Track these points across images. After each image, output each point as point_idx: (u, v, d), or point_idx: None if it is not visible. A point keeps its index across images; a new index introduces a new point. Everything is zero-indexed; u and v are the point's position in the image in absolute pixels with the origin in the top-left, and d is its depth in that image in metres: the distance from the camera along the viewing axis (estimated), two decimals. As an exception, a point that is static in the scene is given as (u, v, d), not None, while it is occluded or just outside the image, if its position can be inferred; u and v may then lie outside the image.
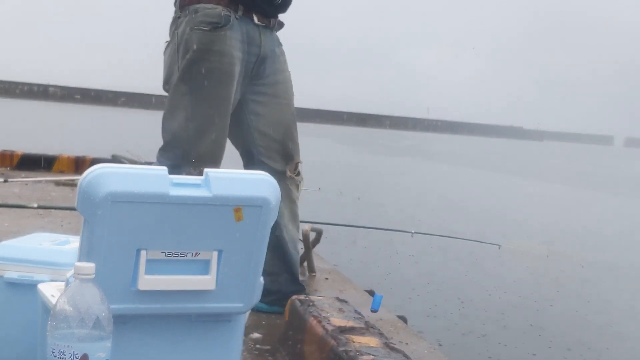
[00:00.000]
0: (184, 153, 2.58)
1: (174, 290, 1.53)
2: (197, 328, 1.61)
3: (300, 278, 2.94)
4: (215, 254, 1.55)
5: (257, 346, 2.35)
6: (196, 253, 1.53)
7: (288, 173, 2.77)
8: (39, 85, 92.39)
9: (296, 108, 2.90)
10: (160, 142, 2.69)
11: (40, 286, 1.60)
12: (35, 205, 4.51)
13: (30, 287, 1.70)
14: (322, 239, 3.70)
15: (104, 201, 1.42)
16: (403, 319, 3.10)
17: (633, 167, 43.19)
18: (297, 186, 2.85)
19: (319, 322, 2.08)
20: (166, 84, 2.67)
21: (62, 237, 2.04)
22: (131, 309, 1.50)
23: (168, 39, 2.70)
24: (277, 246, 2.75)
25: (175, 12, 2.68)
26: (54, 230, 3.66)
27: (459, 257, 7.01)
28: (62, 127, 27.21)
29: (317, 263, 3.55)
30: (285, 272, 2.78)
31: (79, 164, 7.16)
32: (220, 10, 2.58)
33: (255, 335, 2.43)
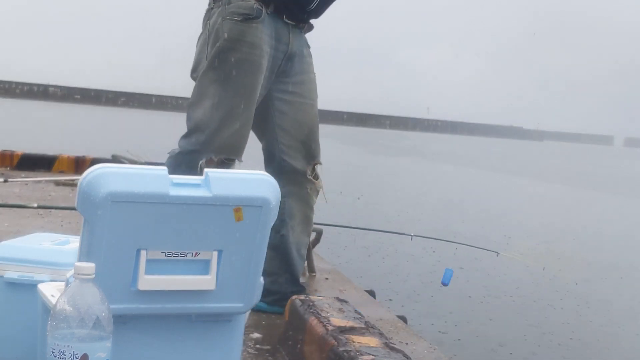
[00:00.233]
0: (207, 139, 2.58)
1: (174, 290, 1.53)
2: (197, 328, 1.61)
3: (301, 279, 2.93)
4: (215, 254, 1.55)
5: (257, 346, 2.35)
6: (196, 253, 1.53)
7: (308, 173, 2.77)
8: (39, 85, 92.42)
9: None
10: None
11: (40, 286, 1.61)
12: (35, 205, 4.51)
13: (30, 287, 1.70)
14: (322, 239, 3.70)
15: (104, 201, 1.42)
16: (403, 319, 3.10)
17: (633, 167, 43.20)
18: (317, 193, 2.84)
19: (319, 322, 2.08)
20: (194, 72, 2.68)
21: (62, 237, 2.03)
22: (131, 309, 1.50)
23: (199, 32, 2.71)
24: (281, 246, 2.74)
25: (209, 3, 2.70)
26: (54, 230, 3.66)
27: (458, 258, 7.02)
28: (62, 127, 27.22)
29: (317, 263, 3.55)
30: (287, 272, 2.77)
31: (79, 164, 7.16)
32: (252, 3, 2.61)
33: (255, 335, 2.43)
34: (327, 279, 3.42)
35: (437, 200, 13.44)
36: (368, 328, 2.06)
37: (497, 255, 4.96)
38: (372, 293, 3.64)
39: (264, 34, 2.62)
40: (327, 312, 2.17)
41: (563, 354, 4.72)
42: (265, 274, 1.68)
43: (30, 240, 1.98)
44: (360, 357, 1.81)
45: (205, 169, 1.57)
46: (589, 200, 17.42)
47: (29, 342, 1.63)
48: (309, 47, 2.84)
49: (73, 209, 1.79)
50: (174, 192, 1.48)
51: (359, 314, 2.22)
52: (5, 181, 5.67)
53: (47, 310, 1.49)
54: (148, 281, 1.50)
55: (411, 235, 4.68)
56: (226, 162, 2.59)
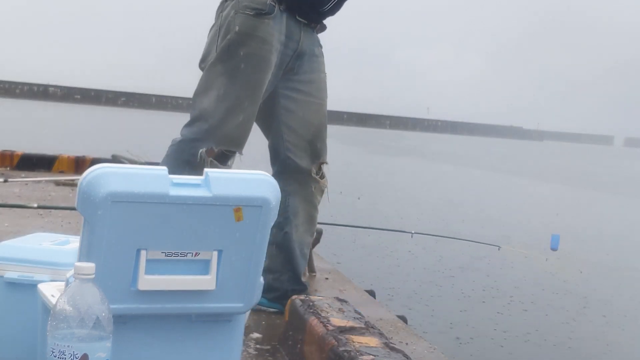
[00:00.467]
0: (209, 129, 2.58)
1: (174, 290, 1.53)
2: (197, 328, 1.61)
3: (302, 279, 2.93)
4: (215, 254, 1.55)
5: (257, 346, 2.35)
6: (196, 253, 1.53)
7: (313, 172, 2.77)
8: (39, 85, 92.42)
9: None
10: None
11: (40, 286, 1.60)
12: (35, 205, 4.51)
13: (30, 287, 1.70)
14: (322, 239, 3.70)
15: (104, 201, 1.42)
16: (403, 319, 3.10)
17: (633, 167, 43.19)
18: (322, 192, 2.84)
19: (319, 322, 2.08)
20: (202, 62, 2.68)
21: (62, 237, 2.03)
22: (131, 309, 1.50)
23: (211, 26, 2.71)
24: (284, 244, 2.74)
25: None
26: (54, 230, 3.66)
27: (459, 257, 7.02)
28: (62, 127, 27.22)
29: (317, 263, 3.55)
30: (289, 270, 2.77)
31: (79, 164, 7.16)
32: None
33: (255, 335, 2.43)
34: (327, 279, 3.42)
35: (437, 200, 13.44)
36: (368, 328, 2.06)
37: (498, 249, 4.96)
38: (372, 293, 3.64)
39: (275, 30, 2.62)
40: (327, 312, 2.17)
41: (563, 354, 4.72)
42: (268, 271, 1.69)
43: (30, 240, 1.98)
44: (360, 357, 1.81)
45: (206, 169, 1.57)
46: (589, 200, 17.42)
47: (29, 342, 1.63)
48: (320, 46, 2.84)
49: (73, 209, 1.80)
50: (174, 192, 1.48)
51: (359, 314, 2.22)
52: (5, 181, 5.66)
53: (47, 310, 1.49)
54: (148, 281, 1.50)
55: (412, 233, 4.68)
56: (226, 154, 2.59)
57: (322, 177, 2.82)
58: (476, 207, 12.67)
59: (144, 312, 1.53)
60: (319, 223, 3.55)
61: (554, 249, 2.48)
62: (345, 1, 2.79)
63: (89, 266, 1.27)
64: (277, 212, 1.60)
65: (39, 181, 6.08)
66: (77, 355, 1.23)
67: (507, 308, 5.69)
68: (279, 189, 1.60)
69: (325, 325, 2.04)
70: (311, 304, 2.25)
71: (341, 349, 1.87)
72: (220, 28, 2.63)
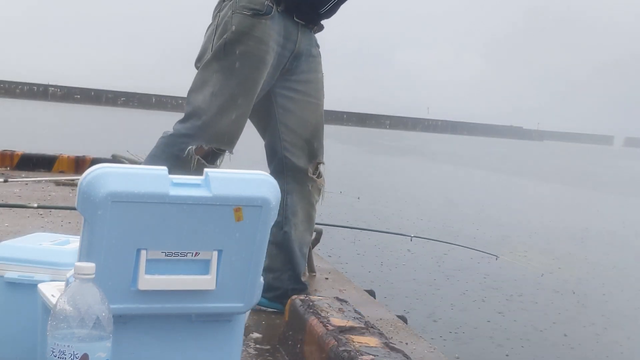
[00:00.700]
0: (202, 125, 2.59)
1: (174, 290, 1.53)
2: (197, 328, 1.61)
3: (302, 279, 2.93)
4: (215, 254, 1.55)
5: (257, 346, 2.35)
6: (196, 253, 1.54)
7: (309, 171, 2.78)
8: (39, 85, 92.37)
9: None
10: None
11: (41, 286, 1.61)
12: (35, 205, 4.51)
13: (30, 287, 1.70)
14: (322, 239, 3.70)
15: (104, 201, 1.42)
16: (403, 319, 3.10)
17: (633, 167, 43.18)
18: (319, 190, 2.84)
19: (319, 322, 2.08)
20: (198, 61, 2.69)
21: (62, 237, 2.03)
22: (131, 309, 1.50)
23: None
24: (284, 243, 2.75)
25: None
26: (54, 230, 3.67)
27: (459, 257, 7.01)
28: (62, 127, 27.22)
29: (317, 263, 3.55)
30: (289, 270, 2.78)
31: (79, 164, 7.16)
32: None
33: (255, 335, 2.43)
34: (327, 279, 3.42)
35: (437, 200, 13.44)
36: (368, 328, 2.06)
37: (496, 259, 4.98)
38: (372, 293, 3.64)
39: (272, 31, 2.63)
40: (327, 312, 2.17)
41: (562, 354, 4.72)
42: (268, 270, 1.69)
43: (30, 240, 1.98)
44: (360, 357, 1.81)
45: (206, 169, 1.57)
46: (589, 200, 17.42)
47: (29, 342, 1.63)
48: (318, 46, 2.85)
49: (73, 209, 1.80)
50: (174, 192, 1.48)
51: (359, 313, 2.22)
52: (5, 181, 5.66)
53: (47, 310, 1.49)
54: (148, 281, 1.50)
55: (411, 237, 4.69)
56: (216, 153, 2.59)
57: (319, 176, 2.82)
58: (476, 207, 12.67)
59: (144, 312, 1.53)
60: (319, 223, 3.56)
61: None
62: (343, 3, 2.80)
63: (89, 266, 1.28)
64: (277, 212, 1.60)
65: (39, 181, 6.08)
66: (77, 355, 1.23)
67: (507, 308, 5.70)
68: (279, 189, 1.61)
69: (325, 325, 2.04)
70: (311, 303, 2.25)
71: (341, 348, 1.87)
72: (217, 27, 2.64)
